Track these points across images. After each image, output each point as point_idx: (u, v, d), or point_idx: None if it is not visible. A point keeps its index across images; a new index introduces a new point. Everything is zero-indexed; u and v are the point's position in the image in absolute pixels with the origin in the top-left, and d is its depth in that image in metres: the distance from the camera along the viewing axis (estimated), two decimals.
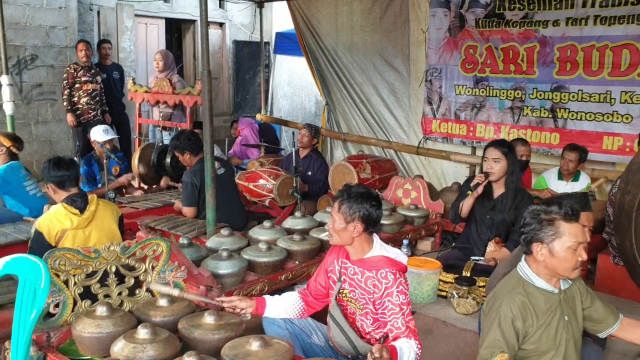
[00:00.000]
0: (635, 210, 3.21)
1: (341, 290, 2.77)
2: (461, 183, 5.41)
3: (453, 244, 4.86)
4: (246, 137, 7.91)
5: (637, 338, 2.52)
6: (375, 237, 2.75)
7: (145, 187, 6.31)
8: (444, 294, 4.12)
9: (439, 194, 5.73)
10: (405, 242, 4.64)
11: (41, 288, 1.97)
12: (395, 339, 2.53)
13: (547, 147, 6.25)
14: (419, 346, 2.53)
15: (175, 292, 2.71)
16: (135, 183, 6.28)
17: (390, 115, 7.62)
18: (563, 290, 2.36)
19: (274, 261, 3.68)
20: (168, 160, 6.13)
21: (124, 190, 5.94)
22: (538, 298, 2.30)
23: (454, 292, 3.94)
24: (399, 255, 2.74)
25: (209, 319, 2.55)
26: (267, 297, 2.87)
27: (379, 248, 2.71)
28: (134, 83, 6.75)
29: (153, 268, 2.92)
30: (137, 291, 2.89)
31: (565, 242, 2.21)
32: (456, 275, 4.05)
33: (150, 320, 2.59)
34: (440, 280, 4.15)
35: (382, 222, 4.82)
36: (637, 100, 5.53)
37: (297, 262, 3.89)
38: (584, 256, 2.22)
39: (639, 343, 2.57)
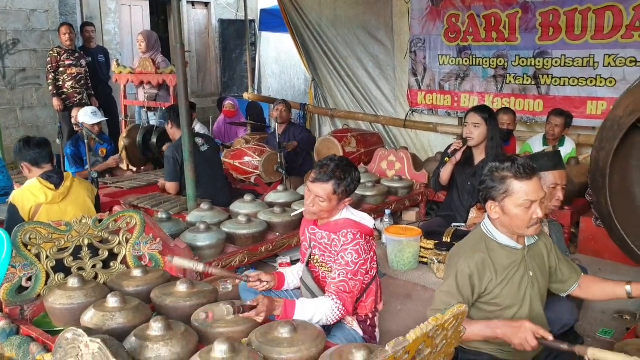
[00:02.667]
0: (609, 166, 3.21)
1: (312, 256, 2.80)
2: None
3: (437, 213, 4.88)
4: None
5: (592, 295, 2.55)
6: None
7: (134, 168, 6.32)
8: (425, 260, 4.14)
9: (423, 165, 5.73)
10: (387, 212, 4.65)
11: (2, 259, 1.97)
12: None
13: (531, 114, 6.24)
14: (342, 310, 2.53)
15: (200, 267, 2.67)
16: (124, 165, 6.28)
17: (377, 89, 7.59)
18: (528, 247, 2.37)
19: (254, 233, 3.70)
20: (154, 140, 6.14)
21: (112, 173, 5.95)
22: (500, 254, 2.32)
23: (434, 258, 3.96)
24: (365, 219, 2.77)
25: (181, 287, 2.56)
26: (283, 270, 2.96)
27: (345, 212, 2.73)
28: (118, 65, 6.72)
29: (127, 241, 2.93)
30: (112, 263, 2.90)
31: (516, 200, 2.22)
32: (437, 242, 4.07)
33: (123, 290, 2.60)
34: (422, 247, 4.17)
35: (366, 193, 4.85)
36: (620, 63, 5.51)
37: (277, 233, 3.90)
38: (539, 213, 2.21)
39: (595, 299, 2.61)
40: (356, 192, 4.72)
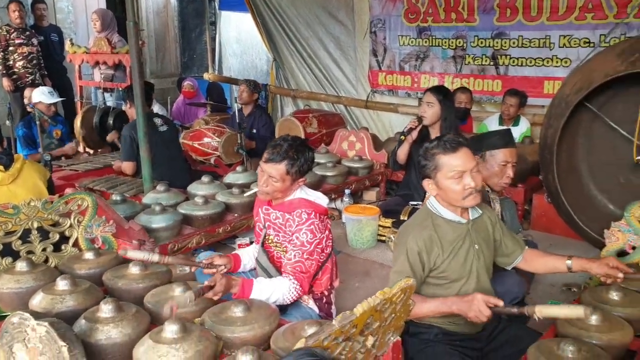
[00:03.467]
0: (557, 143, 3.29)
1: (267, 237, 2.80)
2: None
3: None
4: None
5: (535, 268, 2.65)
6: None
7: (91, 151, 6.18)
8: (383, 238, 4.20)
9: (383, 145, 5.76)
10: (347, 191, 4.68)
11: None
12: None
13: (490, 94, 6.33)
14: (299, 290, 2.56)
15: (155, 258, 2.58)
16: (80, 148, 6.14)
17: (338, 70, 7.58)
18: (472, 220, 2.43)
19: (211, 214, 3.68)
20: (111, 121, 6.01)
21: (68, 155, 5.81)
22: (446, 229, 2.37)
23: (392, 236, 4.01)
24: (320, 198, 2.77)
25: (134, 269, 2.54)
26: (239, 252, 2.92)
27: (300, 191, 2.73)
28: (72, 44, 6.54)
29: (79, 223, 2.88)
30: (63, 247, 2.85)
31: (446, 172, 2.28)
32: (394, 220, 4.12)
33: (74, 273, 2.56)
34: (380, 225, 4.22)
35: (326, 173, 4.86)
36: (575, 44, 5.61)
37: (236, 214, 3.89)
38: (471, 183, 2.26)
39: (538, 272, 2.69)
40: (316, 172, 4.82)
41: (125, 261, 2.78)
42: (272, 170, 2.60)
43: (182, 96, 7.81)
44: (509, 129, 3.15)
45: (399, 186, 5.02)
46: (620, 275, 2.33)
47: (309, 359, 1.15)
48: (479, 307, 2.14)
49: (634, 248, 2.77)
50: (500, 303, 2.14)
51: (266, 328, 2.14)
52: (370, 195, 5.38)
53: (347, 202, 4.57)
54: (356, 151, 5.55)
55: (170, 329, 1.94)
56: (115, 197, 3.68)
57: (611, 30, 5.25)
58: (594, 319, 2.07)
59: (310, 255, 2.62)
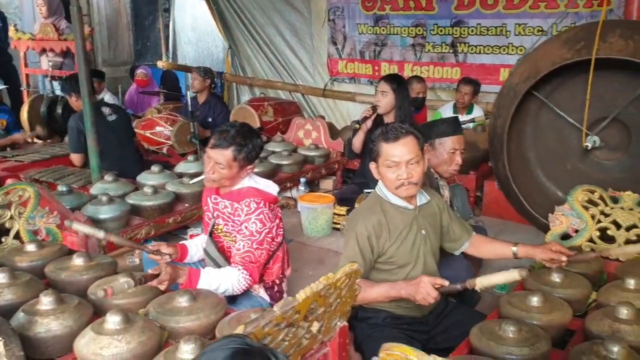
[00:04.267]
0: (507, 132, 3.34)
1: (216, 226, 2.76)
2: None
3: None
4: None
5: (482, 253, 2.71)
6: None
7: (39, 141, 5.98)
8: (338, 226, 4.20)
9: (340, 133, 5.77)
10: (302, 180, 4.67)
11: None
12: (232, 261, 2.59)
13: (449, 82, 6.38)
14: (249, 280, 2.53)
15: (101, 234, 2.53)
16: (29, 138, 5.94)
17: (295, 58, 7.53)
18: (419, 206, 2.45)
19: (160, 204, 3.62)
20: (59, 111, 5.83)
21: (15, 146, 5.62)
22: (394, 215, 2.39)
23: (346, 223, 4.02)
24: (269, 186, 2.75)
25: (77, 260, 2.47)
26: (186, 242, 2.86)
27: (248, 180, 2.70)
28: (17, 30, 6.29)
29: (20, 215, 2.78)
30: (3, 239, 2.75)
31: (383, 160, 2.33)
32: (349, 208, 4.12)
33: (15, 266, 2.48)
34: (335, 213, 4.22)
35: (282, 162, 4.84)
36: (529, 32, 5.71)
37: (187, 204, 3.83)
38: (404, 175, 2.30)
39: (485, 258, 2.75)
40: (272, 161, 4.79)
41: (69, 253, 2.71)
42: (218, 157, 2.56)
43: (135, 85, 7.63)
44: (457, 117, 3.19)
45: (355, 174, 5.03)
46: (564, 259, 2.39)
47: (235, 347, 1.12)
48: (426, 289, 2.17)
49: (576, 231, 2.84)
50: (446, 283, 2.19)
51: (212, 317, 2.12)
52: (327, 183, 5.38)
53: (302, 191, 4.56)
54: (312, 140, 5.54)
55: (112, 320, 1.90)
56: (61, 188, 3.57)
57: (562, 20, 5.36)
58: (534, 301, 2.11)
59: (260, 244, 2.60)
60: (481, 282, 2.08)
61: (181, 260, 2.76)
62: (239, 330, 1.51)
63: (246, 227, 2.59)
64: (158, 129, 5.53)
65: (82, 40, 3.68)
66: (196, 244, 2.87)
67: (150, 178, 4.01)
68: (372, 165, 2.43)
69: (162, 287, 2.28)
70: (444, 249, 2.70)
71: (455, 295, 2.79)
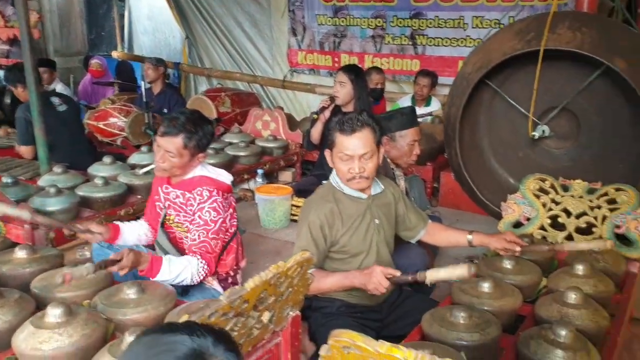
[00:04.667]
0: (459, 121, 3.37)
1: (167, 217, 2.69)
2: None
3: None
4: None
5: (438, 241, 2.73)
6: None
7: None
8: (296, 218, 4.15)
9: (298, 125, 5.73)
10: (259, 171, 4.61)
11: None
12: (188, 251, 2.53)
13: (409, 74, 6.40)
14: (205, 267, 2.48)
15: (25, 215, 2.45)
16: None
17: (254, 48, 7.45)
18: (373, 196, 2.44)
19: (112, 196, 3.52)
20: (8, 101, 5.63)
21: None
22: (347, 204, 2.38)
23: (299, 213, 3.99)
24: (222, 175, 2.70)
25: (20, 253, 2.38)
26: (120, 224, 2.75)
27: (200, 168, 2.64)
28: None
29: None
30: None
31: (337, 152, 2.32)
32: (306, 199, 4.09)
33: None
34: (293, 205, 4.19)
35: (239, 153, 4.78)
36: (486, 25, 5.77)
37: (140, 196, 3.73)
38: (356, 169, 2.29)
39: (442, 246, 2.77)
40: (228, 152, 4.71)
41: (12, 245, 2.61)
42: (168, 145, 2.50)
43: (89, 75, 7.42)
44: (414, 108, 3.20)
45: (314, 166, 5.00)
46: (517, 249, 2.42)
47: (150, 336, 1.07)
48: (377, 279, 2.17)
49: (528, 219, 2.88)
50: (397, 273, 2.18)
51: (161, 309, 2.07)
52: (286, 175, 5.34)
53: (260, 182, 4.51)
54: (271, 131, 5.49)
55: (53, 313, 1.83)
56: (6, 179, 3.43)
57: (519, 13, 5.42)
58: (486, 287, 2.13)
59: (216, 234, 2.55)
60: (431, 276, 2.10)
61: (112, 241, 2.67)
62: (183, 319, 1.47)
63: (200, 217, 2.54)
64: (112, 120, 5.38)
65: (27, 27, 3.54)
66: (132, 229, 2.76)
67: (101, 169, 3.90)
68: (327, 153, 2.41)
69: (122, 273, 2.21)
70: (399, 238, 2.71)
71: (410, 284, 2.80)
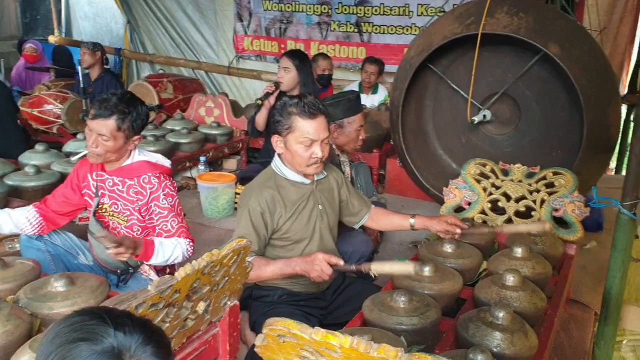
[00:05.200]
0: (403, 105, 3.36)
1: (100, 206, 2.57)
2: None
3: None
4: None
5: (382, 226, 2.72)
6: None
7: None
8: None
9: (243, 111, 5.63)
10: (202, 159, 4.50)
11: None
12: None
13: (355, 61, 6.40)
14: (191, 244, 2.48)
15: None
16: None
17: (198, 34, 7.29)
18: (316, 181, 2.41)
19: (44, 185, 3.36)
20: None
21: None
22: (289, 190, 2.34)
23: (239, 200, 3.92)
24: (161, 159, 2.62)
25: None
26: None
27: (138, 153, 2.54)
28: None
29: None
30: None
31: (298, 136, 2.24)
32: None
33: None
34: (237, 193, 4.10)
35: (180, 141, 4.65)
36: (431, 13, 5.81)
37: None
38: (319, 154, 2.26)
39: (385, 230, 2.77)
40: (169, 139, 4.58)
41: None
42: (101, 128, 2.38)
43: (24, 60, 7.09)
44: (358, 93, 3.17)
45: (260, 153, 4.92)
46: (458, 231, 2.43)
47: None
48: (320, 266, 2.13)
49: (469, 204, 2.90)
50: (341, 262, 2.15)
51: (91, 302, 1.97)
52: (231, 163, 5.24)
53: (202, 170, 4.40)
54: (215, 117, 5.37)
55: None
56: None
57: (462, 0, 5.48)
58: (426, 271, 2.12)
59: (180, 214, 2.53)
60: (376, 269, 2.07)
61: None
62: None
63: (158, 206, 2.48)
64: (47, 107, 5.15)
65: None
66: (10, 215, 2.56)
67: (33, 157, 3.72)
68: (276, 139, 2.31)
69: (125, 257, 2.21)
70: (343, 225, 2.68)
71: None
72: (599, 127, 3.04)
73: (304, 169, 2.30)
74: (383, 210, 2.76)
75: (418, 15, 5.93)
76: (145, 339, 1.00)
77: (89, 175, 2.58)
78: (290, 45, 6.69)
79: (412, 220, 2.56)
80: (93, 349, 0.95)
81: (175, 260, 2.42)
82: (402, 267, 2.05)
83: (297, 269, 2.20)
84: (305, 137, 2.22)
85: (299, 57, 4.18)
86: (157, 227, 2.50)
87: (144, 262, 2.46)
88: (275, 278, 2.30)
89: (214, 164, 5.04)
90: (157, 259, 2.33)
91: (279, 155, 2.37)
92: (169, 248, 2.37)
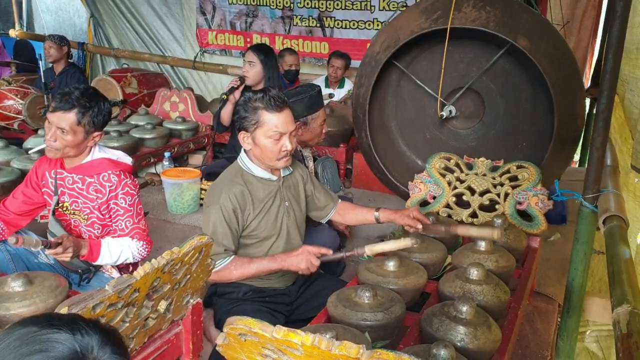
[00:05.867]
0: (369, 102, 3.35)
1: (60, 204, 2.50)
2: None
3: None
4: None
5: (349, 220, 2.72)
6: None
7: None
8: None
9: (209, 106, 5.56)
10: (166, 154, 4.43)
11: None
12: None
13: (318, 56, 6.39)
14: (146, 246, 2.45)
15: None
16: None
17: (164, 27, 7.18)
18: (283, 177, 2.39)
19: (3, 182, 3.27)
20: None
21: None
22: (256, 186, 2.32)
23: (206, 198, 3.87)
24: (122, 156, 2.57)
25: None
26: None
27: (98, 151, 2.49)
28: None
29: None
30: None
31: (266, 131, 2.22)
32: None
33: None
34: (202, 189, 4.05)
35: (145, 136, 4.57)
36: (394, 7, 5.82)
37: None
38: (288, 146, 2.24)
39: (352, 224, 2.78)
40: (133, 134, 4.49)
41: None
42: (60, 121, 2.31)
43: None
44: (319, 87, 3.15)
45: (226, 149, 4.87)
46: (419, 226, 2.44)
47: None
48: (309, 258, 2.16)
49: (434, 198, 2.92)
50: (330, 252, 2.18)
51: (50, 302, 1.92)
52: (197, 159, 5.17)
53: (167, 166, 4.32)
54: (180, 112, 5.29)
55: None
56: None
57: None
58: (391, 265, 2.12)
59: (139, 215, 2.50)
60: (371, 249, 2.08)
61: None
62: (63, 312, 1.35)
63: (117, 204, 2.44)
64: (7, 102, 5.03)
65: None
66: None
67: None
68: (243, 135, 2.28)
69: (67, 257, 2.19)
70: (310, 220, 2.67)
71: (321, 266, 2.79)
72: (567, 120, 3.08)
73: (274, 163, 2.28)
74: (349, 204, 2.75)
75: (380, 10, 5.93)
76: (103, 339, 0.97)
77: (47, 174, 2.51)
78: (256, 39, 6.64)
79: (376, 214, 2.57)
80: (53, 356, 0.91)
81: (126, 260, 2.41)
82: (398, 243, 2.05)
83: (284, 264, 2.21)
84: (274, 130, 2.20)
85: (264, 52, 4.15)
86: (113, 225, 2.46)
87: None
88: (260, 275, 2.29)
89: (180, 160, 4.97)
90: (104, 259, 2.33)
91: (246, 151, 2.34)
92: (117, 249, 2.35)
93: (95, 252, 2.29)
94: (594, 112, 4.99)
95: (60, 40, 5.43)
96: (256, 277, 2.30)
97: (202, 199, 4.05)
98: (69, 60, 5.68)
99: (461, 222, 2.79)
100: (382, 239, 3.51)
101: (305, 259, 2.16)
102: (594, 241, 2.56)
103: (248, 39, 6.69)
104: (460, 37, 3.16)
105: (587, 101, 4.96)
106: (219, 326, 2.35)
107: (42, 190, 2.54)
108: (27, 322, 0.97)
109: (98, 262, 2.32)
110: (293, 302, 2.45)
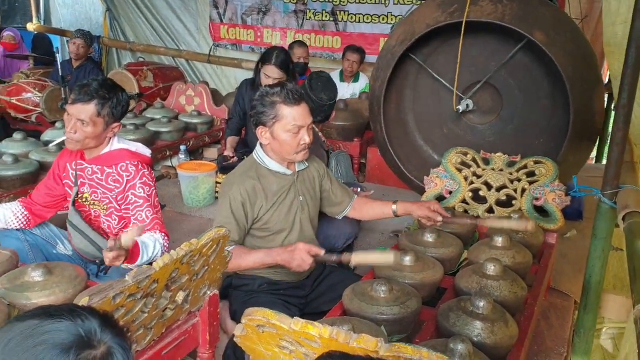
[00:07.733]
0: (384, 95, 3.35)
1: (80, 194, 2.53)
2: None
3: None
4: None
5: (365, 215, 2.69)
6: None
7: None
8: None
9: (224, 100, 5.58)
10: (182, 147, 4.45)
11: None
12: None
13: (330, 50, 6.36)
14: (166, 238, 2.42)
15: None
16: None
17: (178, 21, 7.21)
18: (298, 172, 2.40)
19: (22, 174, 3.31)
20: None
21: None
22: (270, 180, 2.32)
23: (220, 189, 3.89)
24: (141, 148, 2.59)
25: None
26: None
27: (117, 141, 2.50)
28: None
29: None
30: None
31: (285, 125, 2.22)
32: None
33: None
34: (217, 182, 4.07)
35: (161, 129, 4.60)
36: (408, 2, 5.78)
37: None
38: (307, 140, 2.25)
39: (369, 219, 2.76)
40: (150, 128, 4.52)
41: None
42: (80, 113, 2.33)
43: (2, 48, 6.97)
44: (330, 77, 3.14)
45: (241, 143, 4.88)
46: (439, 219, 2.42)
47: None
48: (301, 256, 2.13)
49: (450, 192, 2.91)
50: (321, 252, 2.14)
51: (69, 292, 1.94)
52: (212, 152, 5.20)
53: (182, 159, 4.35)
54: (195, 106, 5.32)
55: None
56: None
57: None
58: (407, 260, 2.12)
59: (157, 206, 2.48)
60: (356, 258, 2.06)
61: None
62: (83, 302, 1.36)
63: (134, 195, 2.43)
64: (26, 95, 5.09)
65: None
66: None
67: (11, 146, 3.68)
68: (261, 130, 2.27)
69: (117, 263, 2.05)
70: (326, 214, 2.67)
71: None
72: (584, 115, 3.04)
73: (293, 156, 2.28)
74: (364, 199, 2.74)
75: (394, 4, 5.89)
76: (102, 323, 0.99)
77: (67, 165, 2.54)
78: (267, 33, 6.63)
79: (394, 207, 2.54)
80: (57, 344, 0.92)
81: (157, 256, 2.35)
82: (382, 257, 2.03)
83: (278, 258, 2.19)
84: (292, 124, 2.21)
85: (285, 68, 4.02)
86: (132, 217, 2.45)
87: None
88: (255, 267, 2.29)
89: (195, 153, 4.99)
90: (143, 259, 2.25)
91: (262, 145, 2.35)
92: (151, 246, 2.30)
93: (135, 253, 2.21)
94: (612, 107, 4.95)
95: (90, 40, 5.50)
96: (253, 269, 2.30)
97: (217, 192, 4.08)
98: (88, 55, 5.73)
99: (491, 214, 2.77)
100: (396, 234, 3.52)
101: (296, 256, 2.13)
102: (612, 237, 2.53)
103: (258, 33, 6.68)
104: (477, 30, 3.13)
105: (605, 96, 4.91)
106: (235, 318, 2.36)
107: (63, 182, 2.57)
108: (26, 317, 0.98)
109: (137, 263, 2.22)
110: (307, 296, 2.46)
